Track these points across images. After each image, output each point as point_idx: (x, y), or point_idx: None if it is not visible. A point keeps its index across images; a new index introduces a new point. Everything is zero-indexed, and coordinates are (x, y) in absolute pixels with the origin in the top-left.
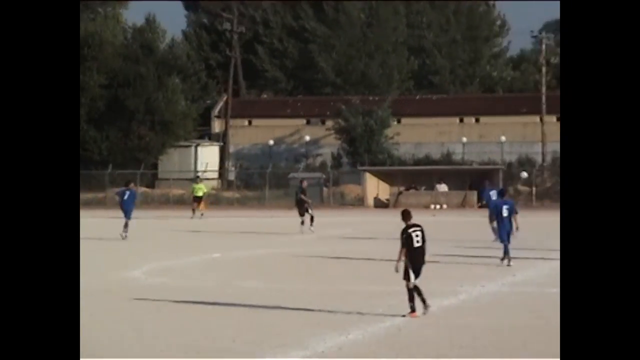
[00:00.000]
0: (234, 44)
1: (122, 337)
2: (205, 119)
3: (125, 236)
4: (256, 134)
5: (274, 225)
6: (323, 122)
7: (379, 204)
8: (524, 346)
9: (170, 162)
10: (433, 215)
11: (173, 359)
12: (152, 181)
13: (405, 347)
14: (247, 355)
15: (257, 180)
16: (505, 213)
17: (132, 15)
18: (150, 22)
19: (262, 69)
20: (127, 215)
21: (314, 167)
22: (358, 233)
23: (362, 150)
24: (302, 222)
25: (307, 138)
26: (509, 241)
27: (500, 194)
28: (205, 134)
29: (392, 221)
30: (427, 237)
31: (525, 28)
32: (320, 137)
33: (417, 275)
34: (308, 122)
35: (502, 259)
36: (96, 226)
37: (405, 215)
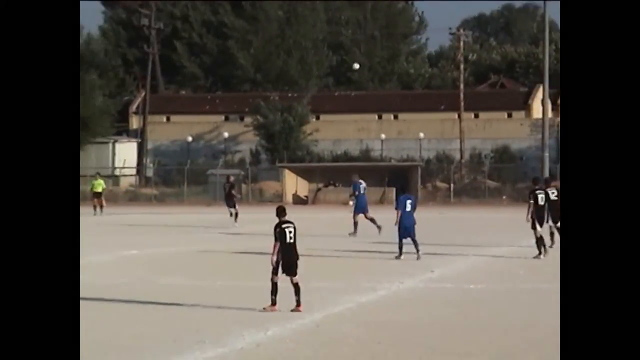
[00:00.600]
0: (151, 40)
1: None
2: (122, 115)
3: None
4: (174, 130)
5: (192, 221)
6: (242, 119)
7: (298, 201)
8: (443, 342)
9: (88, 158)
10: (350, 212)
11: (88, 355)
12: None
13: (324, 343)
14: (165, 352)
15: (175, 177)
16: (408, 207)
17: None
18: None
19: (180, 65)
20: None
21: (233, 163)
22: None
23: (281, 147)
24: (231, 214)
25: (226, 135)
26: (414, 235)
27: (402, 189)
28: (123, 131)
29: (311, 217)
30: (298, 235)
31: (444, 25)
32: (238, 134)
33: (289, 271)
34: (227, 119)
35: (399, 256)
36: None
37: (280, 212)
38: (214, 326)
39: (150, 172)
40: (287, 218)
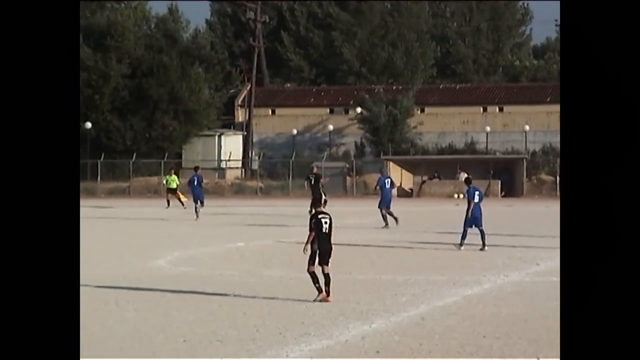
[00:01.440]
0: (257, 33)
1: (147, 326)
2: (228, 109)
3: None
4: (280, 123)
5: (297, 214)
6: (346, 112)
7: (402, 194)
8: (548, 335)
9: (194, 151)
10: (456, 205)
11: (197, 347)
12: (176, 170)
13: (429, 336)
14: (271, 344)
15: (280, 170)
16: (476, 199)
17: (155, 6)
18: (173, 11)
19: (286, 57)
20: (196, 199)
21: (337, 156)
22: (380, 222)
23: (386, 140)
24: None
25: (331, 127)
26: (481, 226)
27: (469, 181)
28: (229, 124)
29: (415, 211)
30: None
31: (550, 17)
32: (343, 127)
33: (322, 261)
34: (331, 112)
35: (460, 246)
36: (120, 215)
37: (316, 203)
38: (318, 318)
39: (255, 165)
40: (323, 209)
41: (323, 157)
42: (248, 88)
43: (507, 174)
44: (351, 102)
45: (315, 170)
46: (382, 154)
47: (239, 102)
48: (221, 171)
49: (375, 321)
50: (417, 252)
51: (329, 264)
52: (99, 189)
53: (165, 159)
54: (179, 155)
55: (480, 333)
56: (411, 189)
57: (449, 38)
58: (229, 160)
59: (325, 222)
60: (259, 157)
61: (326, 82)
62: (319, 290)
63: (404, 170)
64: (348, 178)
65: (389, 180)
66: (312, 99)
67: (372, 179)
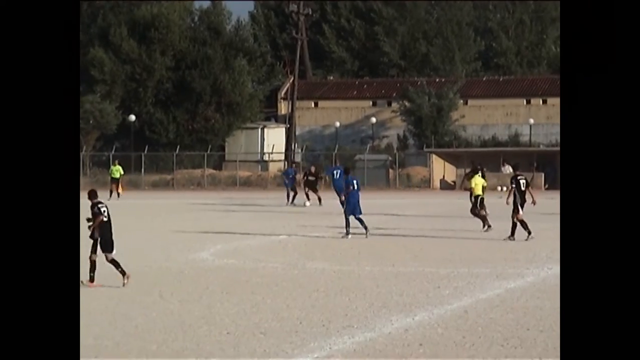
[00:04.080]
0: (300, 26)
1: (190, 318)
2: (271, 101)
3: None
4: (322, 115)
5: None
6: (389, 104)
7: (445, 186)
8: None
9: (237, 144)
10: (499, 197)
11: (241, 339)
12: (219, 163)
13: (472, 329)
14: (314, 337)
15: (323, 162)
16: (355, 187)
17: None
18: (216, 4)
19: (328, 50)
20: (288, 187)
21: (380, 149)
22: (423, 214)
23: (429, 132)
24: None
25: (374, 120)
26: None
27: (346, 172)
28: (272, 116)
29: (458, 203)
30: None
31: None
32: (386, 119)
33: (106, 249)
34: (374, 104)
35: (346, 234)
36: (164, 208)
37: (92, 195)
38: (361, 311)
39: (298, 157)
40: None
41: (366, 149)
42: (291, 80)
43: (550, 167)
44: (394, 94)
45: (312, 170)
46: (424, 146)
47: (282, 95)
48: (264, 164)
49: (418, 314)
50: (460, 244)
51: (113, 251)
52: (143, 181)
53: (209, 151)
54: (222, 148)
55: (524, 326)
56: (454, 182)
57: (492, 31)
58: (272, 152)
59: (104, 210)
60: (301, 150)
61: (368, 74)
62: (91, 279)
63: (446, 163)
64: (391, 171)
65: (339, 171)
66: (355, 92)
67: (416, 171)
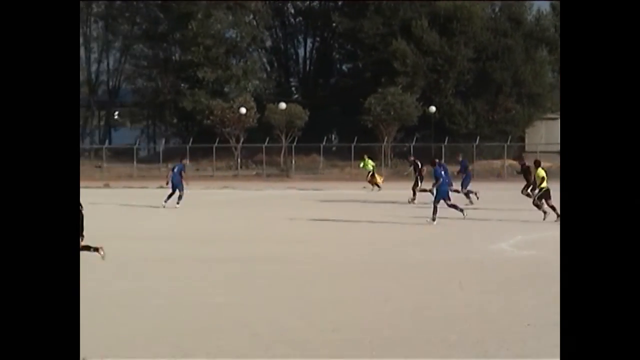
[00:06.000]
0: None
1: (491, 308)
2: None
3: None
4: None
5: None
6: None
7: None
8: None
9: (537, 134)
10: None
11: (542, 331)
12: (519, 154)
13: None
14: None
15: None
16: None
17: None
18: None
19: None
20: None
21: None
22: None
23: None
24: None
25: None
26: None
27: (432, 163)
28: None
29: None
30: None
31: None
32: None
33: None
34: None
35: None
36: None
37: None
38: None
39: None
40: None
41: None
42: None
43: None
44: None
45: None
46: None
47: None
48: None
49: None
50: None
51: None
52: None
53: (508, 142)
54: (522, 139)
55: None
56: None
57: None
58: None
59: None
60: None
61: None
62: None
63: None
64: None
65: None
66: None
67: None
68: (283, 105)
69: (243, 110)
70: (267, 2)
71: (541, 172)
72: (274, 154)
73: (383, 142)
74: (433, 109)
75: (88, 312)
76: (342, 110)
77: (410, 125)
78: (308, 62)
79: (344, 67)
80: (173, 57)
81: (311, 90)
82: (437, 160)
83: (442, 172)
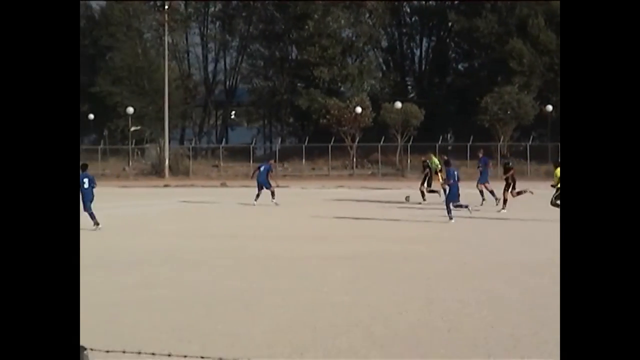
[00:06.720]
0: None
1: None
2: None
3: None
4: None
5: None
6: None
7: None
8: None
9: None
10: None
11: None
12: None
13: None
14: None
15: None
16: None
17: None
18: None
19: None
20: None
21: None
22: None
23: None
24: None
25: None
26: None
27: (446, 163)
28: None
29: None
30: None
31: None
32: None
33: None
34: None
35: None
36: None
37: None
38: None
39: None
40: None
41: None
42: None
43: None
44: None
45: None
46: None
47: None
48: None
49: None
50: None
51: None
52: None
53: None
54: None
55: None
56: None
57: None
58: None
59: None
60: None
61: None
62: None
63: None
64: None
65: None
66: None
67: None
68: (399, 104)
69: (359, 109)
70: (384, 1)
71: (559, 172)
72: (389, 154)
73: (499, 141)
74: (550, 108)
75: (205, 309)
76: (458, 110)
77: (527, 124)
78: (424, 61)
79: (459, 67)
80: (289, 57)
81: (427, 90)
82: (449, 160)
83: (455, 173)
